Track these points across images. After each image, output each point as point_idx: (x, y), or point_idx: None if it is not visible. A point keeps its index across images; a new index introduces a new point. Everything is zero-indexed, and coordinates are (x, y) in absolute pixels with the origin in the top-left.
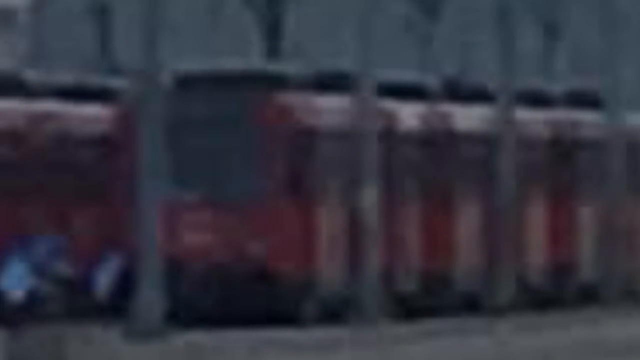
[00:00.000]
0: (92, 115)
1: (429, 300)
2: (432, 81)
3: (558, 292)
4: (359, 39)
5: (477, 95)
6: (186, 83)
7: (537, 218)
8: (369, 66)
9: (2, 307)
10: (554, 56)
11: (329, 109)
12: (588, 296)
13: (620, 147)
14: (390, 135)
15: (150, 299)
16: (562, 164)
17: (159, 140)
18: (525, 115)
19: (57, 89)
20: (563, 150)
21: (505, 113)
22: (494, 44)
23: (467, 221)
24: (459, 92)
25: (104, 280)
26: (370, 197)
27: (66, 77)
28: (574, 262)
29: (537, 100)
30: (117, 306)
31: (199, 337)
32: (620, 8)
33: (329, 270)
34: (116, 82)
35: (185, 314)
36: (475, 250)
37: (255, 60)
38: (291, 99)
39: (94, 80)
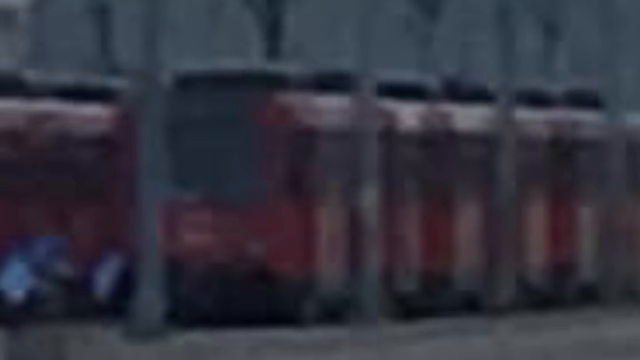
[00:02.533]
0: (92, 115)
1: (429, 300)
2: (432, 81)
3: (558, 292)
4: (359, 39)
5: (477, 95)
6: (186, 83)
7: (537, 218)
8: (369, 66)
9: (2, 307)
10: (554, 56)
11: (329, 109)
12: (588, 296)
13: (620, 147)
14: (390, 135)
15: (150, 299)
16: (562, 164)
17: (159, 140)
18: (525, 115)
19: (57, 89)
20: (563, 150)
21: (505, 113)
22: (494, 44)
23: (467, 221)
24: (459, 92)
25: (104, 280)
26: (370, 197)
27: (66, 77)
28: (574, 262)
29: (537, 100)
30: (117, 306)
31: (199, 337)
32: (620, 8)
33: (329, 270)
34: (116, 82)
35: (185, 314)
36: (475, 250)
37: (255, 60)
38: (291, 99)
39: (94, 80)
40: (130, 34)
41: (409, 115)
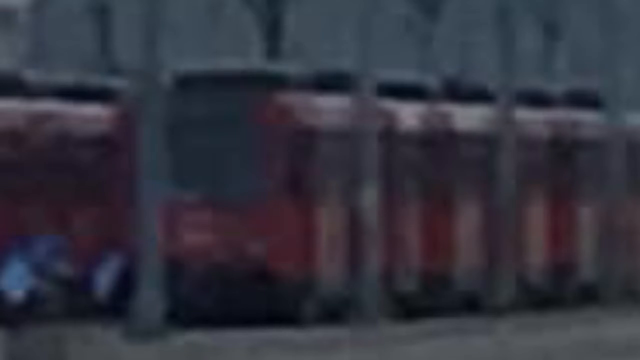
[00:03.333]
0: (92, 115)
1: (429, 300)
2: (432, 81)
3: (558, 292)
4: (359, 39)
5: (477, 95)
6: (186, 83)
7: (537, 218)
8: (369, 66)
9: (2, 307)
10: (554, 56)
11: (329, 109)
12: (588, 296)
13: (620, 147)
14: (390, 135)
15: (150, 299)
16: (562, 164)
17: (159, 140)
18: (525, 115)
19: (57, 89)
20: (563, 150)
21: (505, 113)
22: (494, 44)
23: (467, 221)
24: (459, 92)
25: (104, 280)
26: (370, 197)
27: (66, 77)
28: (574, 262)
29: (537, 100)
30: (117, 306)
31: (199, 337)
32: (620, 8)
33: (329, 270)
34: (116, 82)
35: (185, 314)
36: (475, 250)
37: (255, 60)
38: (291, 99)
39: (94, 80)
40: (130, 34)
41: (409, 115)
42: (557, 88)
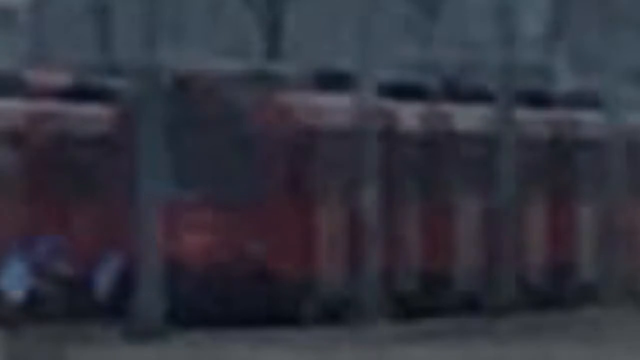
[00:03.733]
0: (92, 115)
1: (429, 300)
2: (432, 81)
3: (558, 292)
4: (359, 39)
5: (477, 95)
6: (186, 83)
7: (537, 218)
8: (369, 66)
9: (2, 307)
10: (554, 56)
11: (329, 108)
12: (588, 296)
13: (620, 147)
14: (390, 135)
15: (150, 299)
16: (562, 164)
17: (158, 140)
18: (525, 115)
19: (57, 89)
20: (563, 150)
21: (505, 113)
22: (494, 44)
23: (467, 221)
24: (459, 92)
25: (104, 280)
26: (370, 197)
27: (66, 77)
28: (574, 262)
29: (537, 100)
30: (117, 306)
31: (199, 337)
32: (620, 8)
33: (329, 270)
34: (116, 82)
35: (185, 314)
36: (475, 250)
37: (255, 60)
38: (291, 99)
39: (94, 80)
40: (130, 34)
41: (409, 115)
42: (557, 88)
